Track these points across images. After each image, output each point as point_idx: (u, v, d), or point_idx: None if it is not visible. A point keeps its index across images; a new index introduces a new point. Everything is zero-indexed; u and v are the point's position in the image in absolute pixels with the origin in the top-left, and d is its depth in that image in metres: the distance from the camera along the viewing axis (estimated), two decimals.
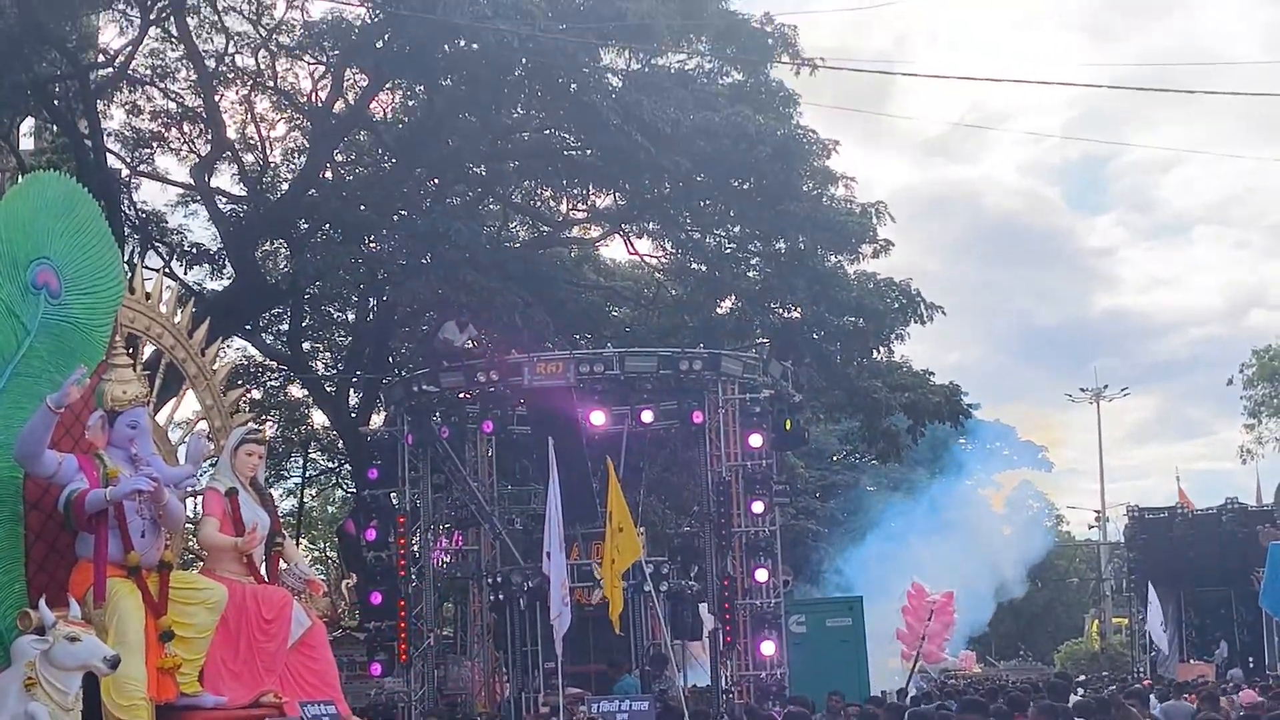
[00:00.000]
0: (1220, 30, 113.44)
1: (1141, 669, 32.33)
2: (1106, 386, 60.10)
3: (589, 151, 25.90)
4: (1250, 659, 31.97)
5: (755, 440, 21.99)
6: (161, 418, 13.06)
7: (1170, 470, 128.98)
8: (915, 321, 27.44)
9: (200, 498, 12.64)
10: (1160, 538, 37.07)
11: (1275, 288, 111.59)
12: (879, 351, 28.57)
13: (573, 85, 23.54)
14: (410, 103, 27.00)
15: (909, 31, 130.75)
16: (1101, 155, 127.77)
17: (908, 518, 40.90)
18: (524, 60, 23.04)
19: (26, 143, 26.68)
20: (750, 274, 28.50)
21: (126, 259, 19.87)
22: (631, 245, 30.47)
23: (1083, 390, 58.20)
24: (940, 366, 38.92)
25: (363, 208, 25.94)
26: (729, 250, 28.43)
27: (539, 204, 30.28)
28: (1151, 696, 17.46)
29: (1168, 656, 33.09)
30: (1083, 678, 27.20)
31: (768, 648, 21.70)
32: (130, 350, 12.29)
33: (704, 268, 28.79)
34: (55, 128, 25.91)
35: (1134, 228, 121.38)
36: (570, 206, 29.99)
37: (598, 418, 22.03)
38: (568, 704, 16.21)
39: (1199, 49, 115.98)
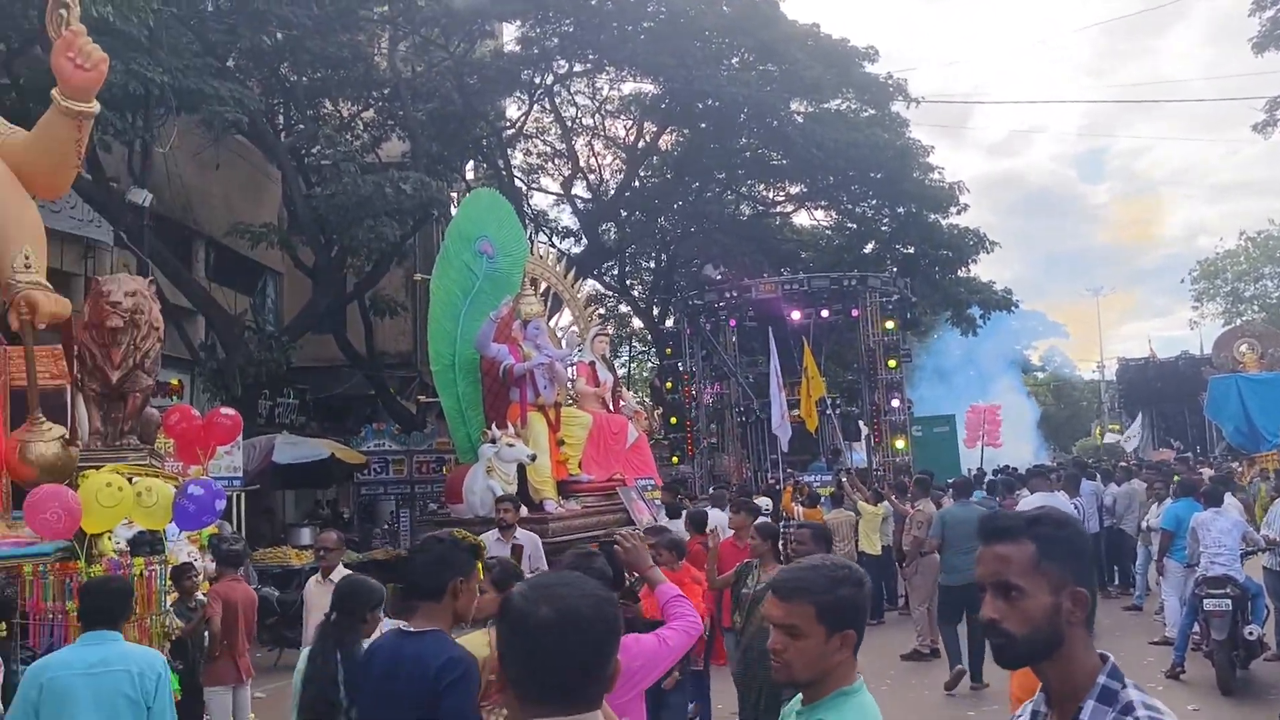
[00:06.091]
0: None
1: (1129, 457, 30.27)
2: (1102, 288, 71.58)
3: (785, 161, 26.68)
4: (1197, 447, 31.83)
5: (889, 324, 23.62)
6: (552, 322, 14.85)
7: (1144, 336, 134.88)
8: (983, 252, 28.35)
9: (575, 366, 14.75)
10: (1139, 376, 37.79)
11: (1212, 221, 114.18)
12: (962, 270, 29.32)
13: (774, 122, 24.60)
14: (680, 139, 27.66)
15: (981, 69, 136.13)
16: (1100, 147, 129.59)
17: (981, 367, 40.90)
18: (745, 109, 24.02)
19: (468, 174, 26.60)
20: (882, 228, 29.01)
21: (528, 236, 18.98)
22: (811, 215, 31.68)
23: (1088, 290, 61.64)
24: (998, 278, 39.60)
25: (656, 201, 28.03)
26: (870, 214, 29.07)
27: (756, 194, 30.60)
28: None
29: (1143, 447, 32.62)
30: (1091, 460, 27.04)
31: (900, 443, 23.59)
32: (533, 286, 14.19)
33: (855, 225, 29.73)
34: (484, 165, 26.75)
35: (1118, 192, 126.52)
36: (774, 194, 30.56)
37: (795, 315, 23.90)
38: (784, 479, 18.76)
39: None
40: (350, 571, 6.42)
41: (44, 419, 5.77)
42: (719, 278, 27.22)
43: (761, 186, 30.06)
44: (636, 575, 4.15)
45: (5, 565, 5.27)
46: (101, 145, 13.79)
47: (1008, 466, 24.70)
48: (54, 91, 6.07)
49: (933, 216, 27.45)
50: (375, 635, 3.75)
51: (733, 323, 25.77)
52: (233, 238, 18.84)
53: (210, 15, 15.70)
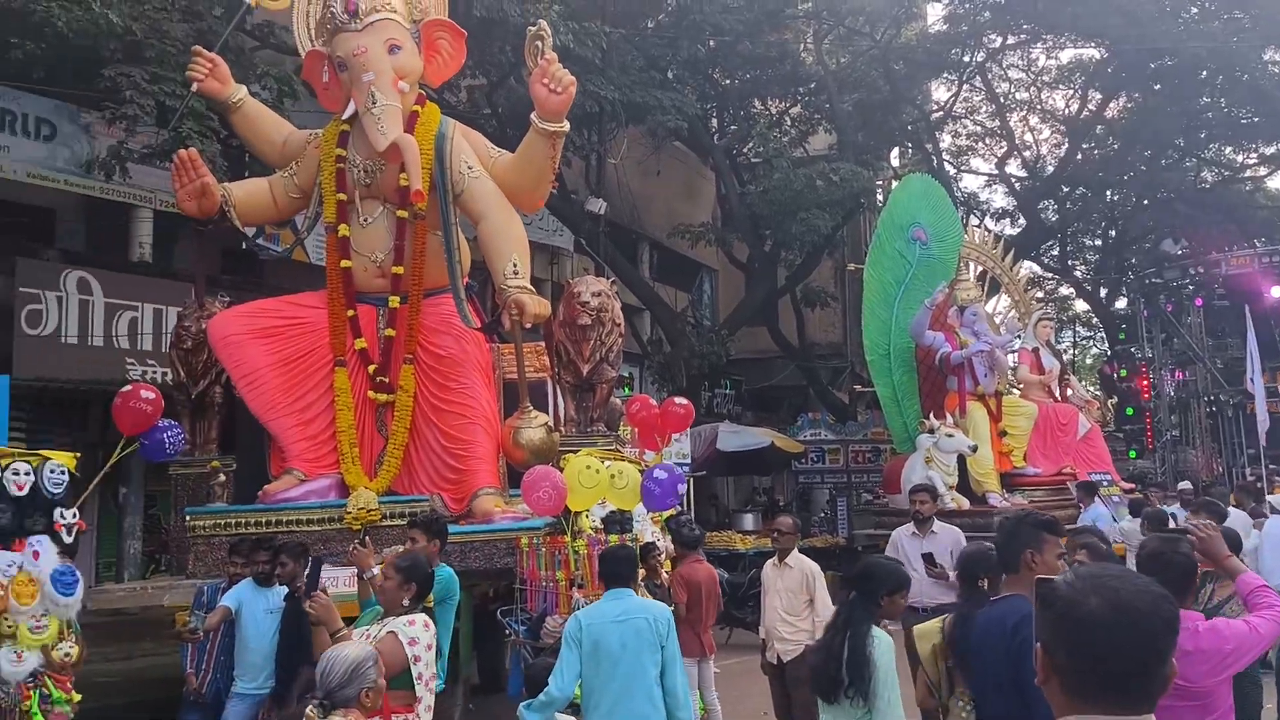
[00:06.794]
0: None
1: None
2: None
3: (1258, 119, 24.26)
4: None
5: None
6: (989, 307, 14.63)
7: None
8: None
9: (1016, 353, 14.60)
10: None
11: None
12: None
13: (1245, 75, 22.25)
14: (1129, 105, 25.69)
15: None
16: None
17: None
18: (1208, 65, 21.83)
19: (894, 161, 26.95)
20: None
21: (962, 220, 19.30)
22: None
23: None
24: None
25: (1101, 175, 26.10)
26: None
27: (1223, 158, 28.47)
28: None
29: None
30: None
31: None
32: (969, 271, 14.17)
33: None
34: (911, 150, 26.70)
35: None
36: (1245, 156, 28.28)
37: (1277, 291, 21.67)
38: (1268, 475, 17.28)
39: None
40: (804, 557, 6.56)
41: (531, 408, 6.62)
42: (1180, 253, 25.01)
43: (1229, 149, 27.87)
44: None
45: (505, 537, 6.08)
46: (563, 161, 15.27)
47: None
48: (532, 115, 6.97)
49: None
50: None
51: (1198, 302, 24.12)
52: (673, 238, 20.34)
53: (651, 32, 16.92)
